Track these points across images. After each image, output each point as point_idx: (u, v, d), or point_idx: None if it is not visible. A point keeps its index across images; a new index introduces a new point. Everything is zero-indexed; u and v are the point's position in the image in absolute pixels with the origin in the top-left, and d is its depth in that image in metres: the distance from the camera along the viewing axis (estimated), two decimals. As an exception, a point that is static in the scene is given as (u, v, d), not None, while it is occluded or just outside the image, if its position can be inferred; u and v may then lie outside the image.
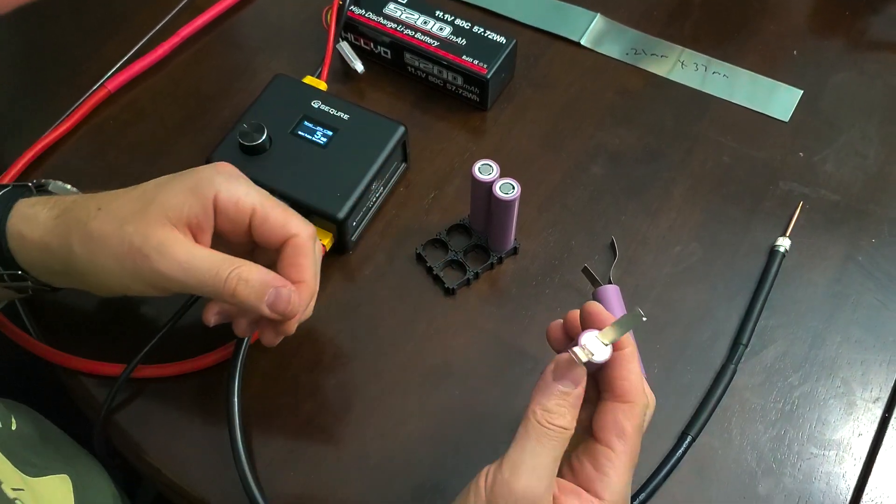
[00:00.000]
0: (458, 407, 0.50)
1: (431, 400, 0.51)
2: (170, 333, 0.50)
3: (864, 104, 0.61)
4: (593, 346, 0.36)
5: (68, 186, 0.54)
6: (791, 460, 0.49)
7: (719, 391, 0.50)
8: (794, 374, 0.51)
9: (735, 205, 0.58)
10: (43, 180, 0.52)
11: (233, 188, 0.43)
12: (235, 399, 0.48)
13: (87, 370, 0.51)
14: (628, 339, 0.38)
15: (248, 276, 0.41)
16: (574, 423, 0.37)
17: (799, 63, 0.64)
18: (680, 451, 0.48)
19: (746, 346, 0.52)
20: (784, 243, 0.55)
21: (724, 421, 0.50)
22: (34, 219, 0.44)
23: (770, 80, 0.63)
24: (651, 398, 0.39)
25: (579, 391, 0.37)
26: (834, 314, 0.53)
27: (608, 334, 0.37)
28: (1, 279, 0.46)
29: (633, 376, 0.38)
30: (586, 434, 0.38)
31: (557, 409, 0.36)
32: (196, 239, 0.43)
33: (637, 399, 0.37)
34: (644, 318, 0.36)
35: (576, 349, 0.36)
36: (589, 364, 0.36)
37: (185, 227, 0.42)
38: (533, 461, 0.35)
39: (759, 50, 0.65)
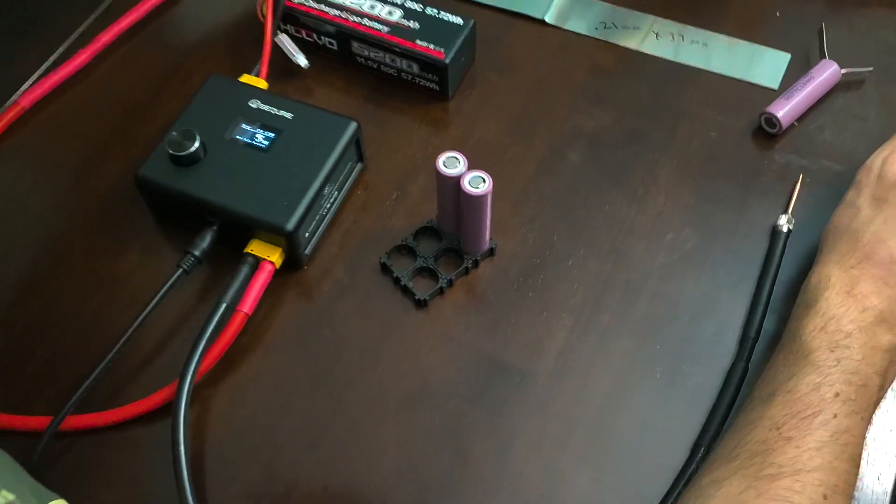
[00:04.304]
0: (438, 435, 0.44)
1: (409, 430, 0.45)
2: (104, 376, 0.44)
3: (858, 64, 0.56)
4: None
5: None
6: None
7: (731, 393, 0.45)
8: (812, 367, 0.46)
9: (728, 183, 0.52)
10: None
11: None
12: (182, 448, 0.41)
13: (7, 426, 0.44)
14: None
15: None
16: None
17: (783, 25, 0.59)
18: (694, 465, 0.43)
19: (756, 339, 0.46)
20: (787, 221, 0.50)
21: (740, 426, 0.44)
22: None
23: (754, 44, 0.58)
24: None
25: None
26: (848, 296, 0.48)
27: None
28: None
29: None
30: None
31: None
32: None
33: None
34: None
35: None
36: None
37: None
38: None
39: (737, 13, 0.60)
